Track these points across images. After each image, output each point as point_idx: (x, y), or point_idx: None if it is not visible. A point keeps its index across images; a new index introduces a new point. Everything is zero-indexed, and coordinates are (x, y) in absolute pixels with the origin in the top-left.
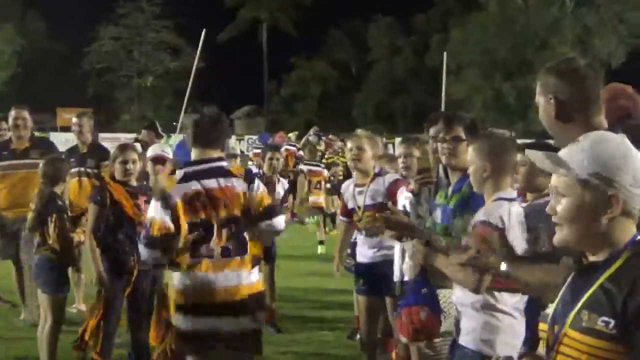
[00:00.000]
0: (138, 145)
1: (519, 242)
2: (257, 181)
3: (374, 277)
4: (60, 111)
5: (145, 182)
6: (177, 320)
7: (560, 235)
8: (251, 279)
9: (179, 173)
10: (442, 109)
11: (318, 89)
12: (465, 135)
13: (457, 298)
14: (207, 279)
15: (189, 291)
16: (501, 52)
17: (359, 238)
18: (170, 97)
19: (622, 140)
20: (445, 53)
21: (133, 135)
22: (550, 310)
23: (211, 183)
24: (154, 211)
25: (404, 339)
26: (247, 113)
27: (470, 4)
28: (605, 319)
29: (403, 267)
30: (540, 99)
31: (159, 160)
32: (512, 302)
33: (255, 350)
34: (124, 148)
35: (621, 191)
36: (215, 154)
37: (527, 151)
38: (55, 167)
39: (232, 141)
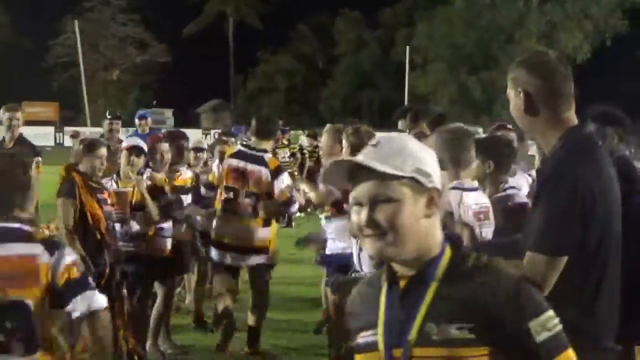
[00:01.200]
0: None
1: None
2: (284, 174)
3: (344, 270)
4: (25, 105)
5: (115, 175)
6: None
7: (391, 247)
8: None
9: (236, 148)
10: (405, 103)
11: (284, 83)
12: (430, 131)
13: None
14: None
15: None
16: (467, 47)
17: (329, 231)
18: (137, 90)
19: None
20: (408, 47)
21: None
22: (372, 338)
23: (249, 165)
24: (215, 166)
25: None
26: (213, 107)
27: None
28: (458, 324)
29: (361, 258)
30: (510, 92)
31: (135, 150)
32: None
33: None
34: (95, 144)
35: (435, 184)
36: (267, 145)
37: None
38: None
39: (199, 135)
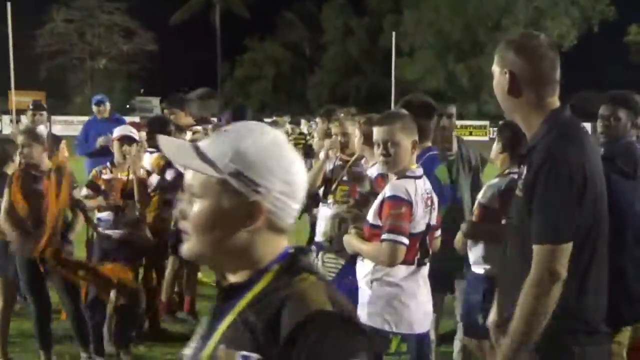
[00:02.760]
0: (42, 128)
1: (421, 215)
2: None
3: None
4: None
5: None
6: None
7: (189, 246)
8: None
9: None
10: (392, 90)
11: (272, 71)
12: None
13: (358, 276)
14: None
15: None
16: (454, 34)
17: (323, 218)
18: (124, 79)
19: (276, 137)
20: (394, 34)
21: (86, 118)
22: (188, 350)
23: None
24: None
25: None
26: (200, 95)
27: None
28: (245, 353)
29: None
30: (495, 70)
31: (126, 139)
32: (403, 275)
33: None
34: (37, 134)
35: (267, 199)
36: None
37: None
38: (2, 148)
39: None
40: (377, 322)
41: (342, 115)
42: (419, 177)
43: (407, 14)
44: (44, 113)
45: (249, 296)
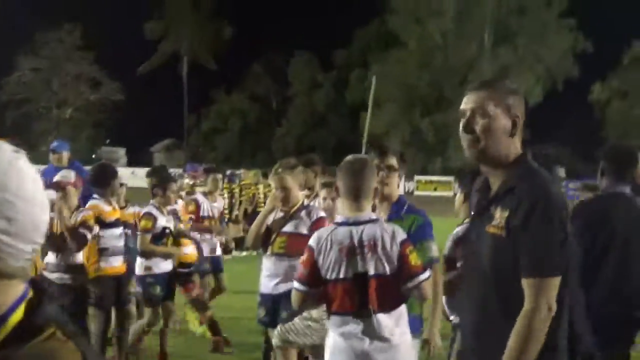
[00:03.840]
0: None
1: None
2: None
3: (275, 310)
4: None
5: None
6: None
7: None
8: None
9: None
10: (364, 142)
11: (238, 123)
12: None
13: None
14: None
15: None
16: (420, 88)
17: (265, 269)
18: (89, 129)
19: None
20: (374, 78)
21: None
22: None
23: None
24: None
25: None
26: (167, 146)
27: (390, 40)
28: None
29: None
30: (496, 111)
31: (54, 186)
32: (336, 326)
33: None
34: None
35: None
36: None
37: None
38: None
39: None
40: None
41: (279, 169)
42: (343, 225)
43: (373, 68)
44: None
45: None
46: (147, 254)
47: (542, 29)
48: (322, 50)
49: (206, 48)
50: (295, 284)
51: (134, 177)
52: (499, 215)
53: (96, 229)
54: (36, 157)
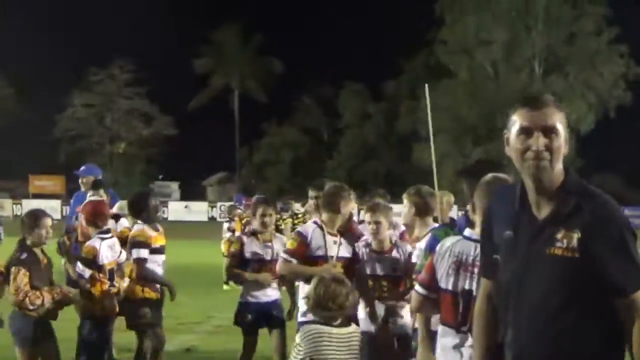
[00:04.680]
0: None
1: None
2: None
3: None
4: (32, 178)
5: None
6: None
7: None
8: None
9: None
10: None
11: (289, 155)
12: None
13: None
14: None
15: None
16: (471, 118)
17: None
18: (142, 163)
19: None
20: (427, 87)
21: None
22: None
23: None
24: None
25: None
26: (219, 180)
27: (440, 71)
28: None
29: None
30: (563, 132)
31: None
32: (440, 336)
33: None
34: (38, 216)
35: None
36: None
37: None
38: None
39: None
40: None
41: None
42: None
43: (423, 99)
44: None
45: None
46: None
47: (592, 56)
48: (372, 81)
49: (256, 81)
50: (416, 286)
51: (187, 211)
52: (566, 237)
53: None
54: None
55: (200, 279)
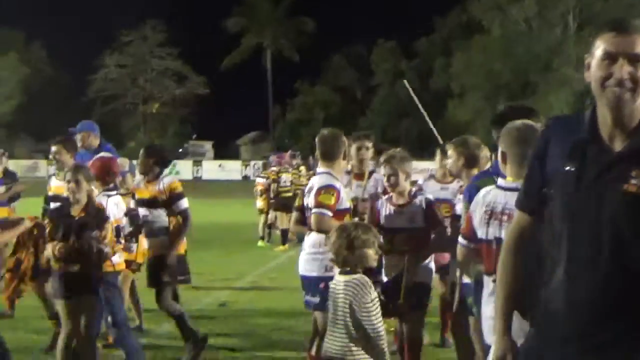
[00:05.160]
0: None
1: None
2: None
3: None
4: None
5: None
6: None
7: None
8: None
9: None
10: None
11: (322, 114)
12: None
13: None
14: None
15: None
16: (504, 75)
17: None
18: (176, 123)
19: None
20: (406, 82)
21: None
22: None
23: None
24: None
25: None
26: (253, 139)
27: (472, 28)
28: None
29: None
30: None
31: None
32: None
33: None
34: None
35: None
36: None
37: None
38: None
39: (239, 166)
40: None
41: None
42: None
43: (456, 56)
44: None
45: None
46: None
47: (627, 10)
48: (404, 39)
49: (288, 41)
50: (459, 238)
51: (221, 170)
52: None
53: None
54: (125, 153)
55: (234, 236)
